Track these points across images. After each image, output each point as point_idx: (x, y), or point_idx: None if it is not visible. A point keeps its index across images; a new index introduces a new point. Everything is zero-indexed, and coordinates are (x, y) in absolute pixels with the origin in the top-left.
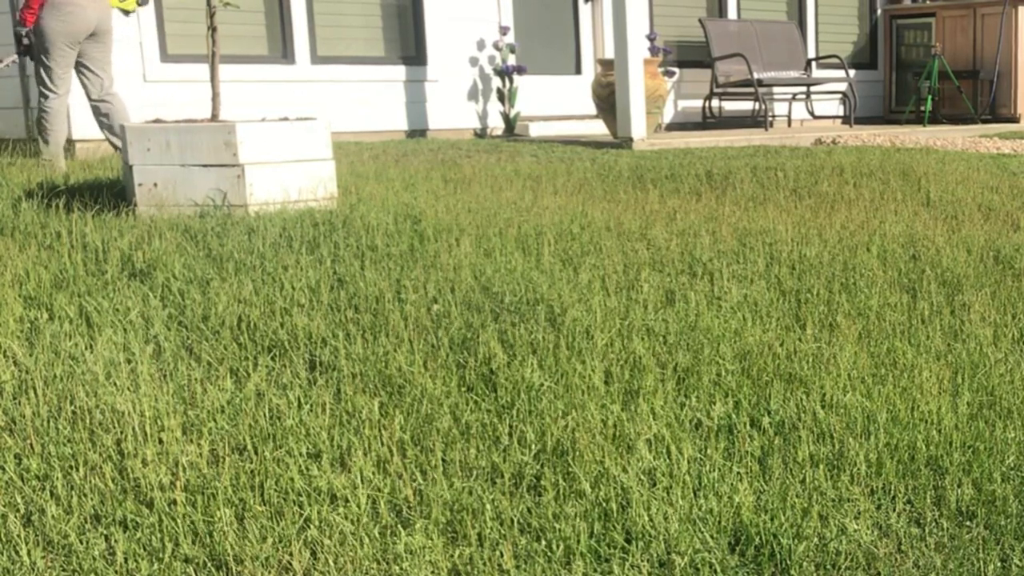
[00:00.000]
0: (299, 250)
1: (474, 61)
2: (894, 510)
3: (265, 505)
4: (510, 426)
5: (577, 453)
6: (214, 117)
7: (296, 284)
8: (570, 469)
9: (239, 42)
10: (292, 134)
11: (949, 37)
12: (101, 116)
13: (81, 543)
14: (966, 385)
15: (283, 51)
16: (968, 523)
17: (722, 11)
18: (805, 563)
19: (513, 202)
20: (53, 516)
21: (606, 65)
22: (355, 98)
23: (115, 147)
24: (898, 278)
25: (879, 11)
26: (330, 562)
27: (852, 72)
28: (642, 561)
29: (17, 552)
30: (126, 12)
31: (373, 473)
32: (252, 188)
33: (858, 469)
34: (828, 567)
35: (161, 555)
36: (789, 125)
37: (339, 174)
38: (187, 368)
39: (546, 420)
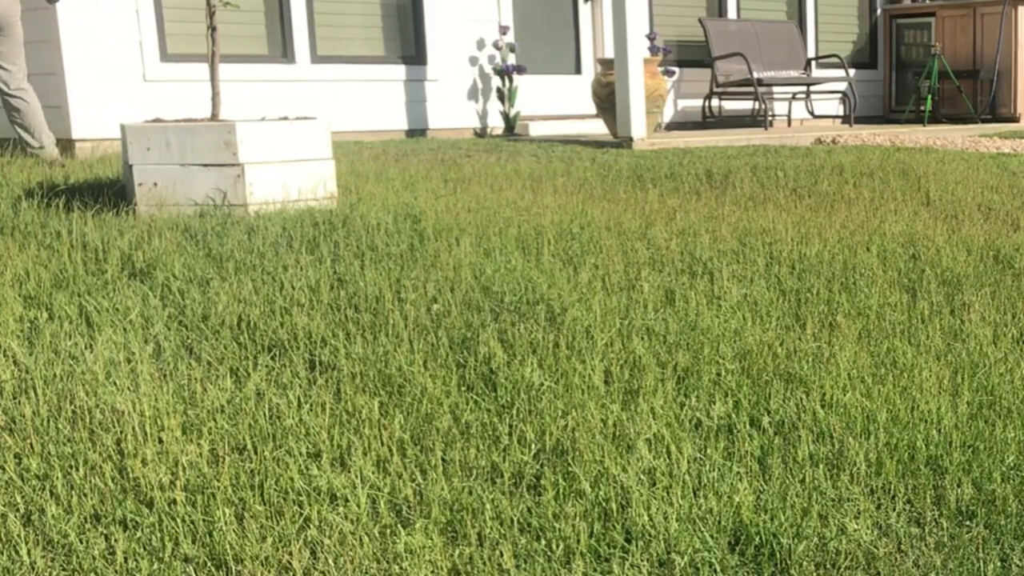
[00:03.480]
0: (299, 250)
1: (474, 60)
2: (894, 510)
3: (265, 505)
4: (510, 426)
5: (577, 453)
6: (214, 117)
7: (296, 284)
8: (570, 469)
9: (239, 41)
10: (292, 134)
11: (949, 37)
12: (12, 111)
13: (81, 543)
14: (966, 385)
15: (283, 50)
16: (968, 523)
17: (722, 11)
18: (805, 563)
19: (513, 202)
20: (53, 516)
21: (606, 64)
22: (355, 98)
23: (27, 144)
24: (898, 278)
25: (879, 11)
26: (330, 562)
27: (852, 72)
28: (642, 561)
29: (17, 552)
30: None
31: (373, 473)
32: (252, 188)
33: (858, 469)
34: (828, 567)
35: (161, 555)
36: (789, 125)
37: (339, 173)
38: (187, 368)
39: (546, 420)
